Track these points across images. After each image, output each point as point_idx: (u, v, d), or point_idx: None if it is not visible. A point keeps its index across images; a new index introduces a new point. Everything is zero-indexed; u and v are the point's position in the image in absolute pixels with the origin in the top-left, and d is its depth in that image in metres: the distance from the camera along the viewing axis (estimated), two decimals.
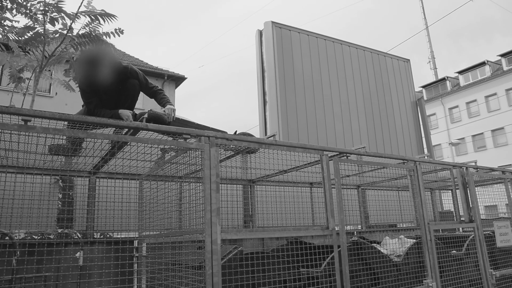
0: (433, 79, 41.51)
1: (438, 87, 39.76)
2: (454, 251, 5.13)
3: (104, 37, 5.45)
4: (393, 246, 5.09)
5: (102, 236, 4.32)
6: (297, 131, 9.75)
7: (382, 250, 4.61)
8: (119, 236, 4.40)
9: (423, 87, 40.35)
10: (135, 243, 4.36)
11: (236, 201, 5.33)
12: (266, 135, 9.78)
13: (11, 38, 5.41)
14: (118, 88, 4.18)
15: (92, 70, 4.04)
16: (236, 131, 4.24)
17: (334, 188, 3.77)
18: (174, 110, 4.01)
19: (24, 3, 4.92)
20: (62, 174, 4.31)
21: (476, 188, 5.44)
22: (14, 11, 5.07)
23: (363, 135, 11.27)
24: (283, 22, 11.13)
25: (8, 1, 4.83)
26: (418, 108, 13.27)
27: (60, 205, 4.32)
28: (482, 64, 35.63)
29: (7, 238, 3.64)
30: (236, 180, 5.48)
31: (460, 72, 37.46)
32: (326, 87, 10.86)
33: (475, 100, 35.42)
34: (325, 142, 10.10)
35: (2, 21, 5.15)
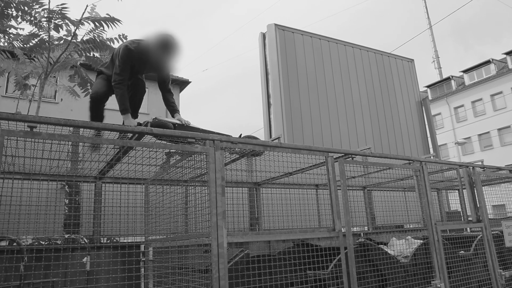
0: (438, 79, 41.35)
1: (443, 86, 39.58)
2: (462, 252, 5.09)
3: (108, 43, 5.49)
4: (400, 247, 5.07)
5: (108, 241, 4.34)
6: (302, 133, 9.74)
7: (389, 251, 4.59)
8: (125, 241, 4.41)
9: (428, 86, 40.19)
10: (142, 248, 4.37)
11: (242, 204, 5.33)
12: (271, 137, 9.78)
13: (16, 46, 5.47)
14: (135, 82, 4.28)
15: (158, 52, 3.98)
16: (241, 135, 4.25)
17: (340, 189, 3.76)
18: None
19: (29, 10, 4.97)
20: (68, 180, 4.33)
21: (483, 187, 5.40)
22: (19, 19, 5.12)
23: (368, 136, 11.23)
24: (287, 24, 11.14)
25: (13, 9, 4.87)
26: (423, 108, 13.22)
27: (66, 211, 4.34)
28: (487, 62, 35.43)
29: (14, 244, 3.66)
30: (242, 183, 5.48)
31: (465, 71, 37.26)
32: (330, 88, 10.84)
33: (480, 99, 35.21)
34: (330, 144, 10.07)
35: (8, 29, 5.20)
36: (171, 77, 4.65)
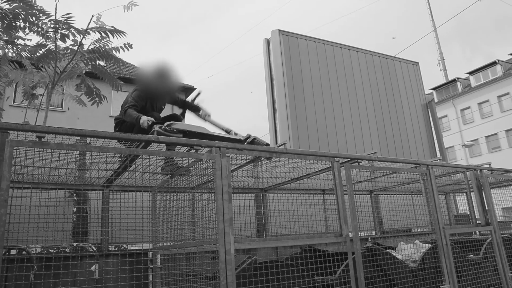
0: (444, 81, 41.20)
1: (449, 88, 39.41)
2: (472, 255, 5.05)
3: (113, 51, 5.55)
4: (408, 252, 5.04)
5: (116, 249, 4.36)
6: (307, 138, 9.74)
7: (397, 256, 4.56)
8: (133, 248, 4.43)
9: (434, 89, 40.03)
10: (150, 255, 4.38)
11: (249, 210, 5.33)
12: (276, 143, 9.78)
13: (23, 56, 5.54)
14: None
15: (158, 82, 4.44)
16: (249, 136, 4.35)
17: (346, 194, 3.75)
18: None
19: (36, 21, 5.03)
20: (76, 188, 4.37)
21: (491, 190, 5.36)
22: (26, 30, 5.19)
23: (374, 140, 11.21)
24: (292, 28, 11.21)
25: (21, 21, 4.94)
26: (429, 111, 13.17)
27: (75, 219, 4.37)
28: (494, 63, 35.25)
29: (24, 252, 3.69)
30: (248, 189, 5.48)
31: (470, 73, 37.08)
32: (336, 93, 10.85)
33: (487, 101, 34.99)
34: (336, 149, 10.06)
35: (16, 40, 5.27)
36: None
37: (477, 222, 5.33)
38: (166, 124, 3.78)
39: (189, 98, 4.96)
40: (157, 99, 4.43)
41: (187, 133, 3.80)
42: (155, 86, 4.39)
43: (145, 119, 3.83)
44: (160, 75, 4.44)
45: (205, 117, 4.73)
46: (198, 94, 4.91)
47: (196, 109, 4.77)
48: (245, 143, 4.24)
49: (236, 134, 4.50)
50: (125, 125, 4.21)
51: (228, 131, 4.60)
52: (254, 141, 4.34)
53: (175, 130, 3.83)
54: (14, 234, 3.61)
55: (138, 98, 4.23)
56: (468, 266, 4.77)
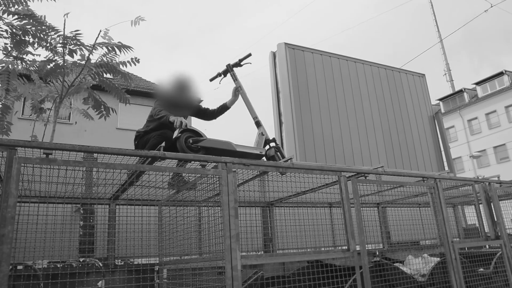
0: (450, 91, 41.08)
1: (455, 99, 39.27)
2: (482, 269, 4.97)
3: (121, 66, 5.61)
4: (417, 266, 4.97)
5: (123, 263, 4.35)
6: (314, 151, 9.71)
7: (405, 270, 4.50)
8: (140, 262, 4.42)
9: (440, 99, 39.90)
10: (156, 270, 4.36)
11: (256, 225, 5.30)
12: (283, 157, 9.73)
13: (31, 69, 5.61)
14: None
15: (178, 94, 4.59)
16: (274, 139, 4.69)
17: (353, 208, 3.72)
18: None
19: (45, 37, 5.11)
20: (82, 203, 4.38)
21: (501, 202, 5.30)
22: (35, 45, 5.27)
23: (381, 152, 11.15)
24: (300, 40, 11.24)
25: (30, 36, 5.02)
26: (436, 122, 13.09)
27: (81, 233, 4.37)
28: (500, 74, 35.13)
29: (29, 268, 3.69)
30: (255, 203, 5.46)
31: (477, 83, 36.96)
32: (342, 106, 10.84)
33: (494, 111, 34.79)
34: (342, 160, 10.02)
35: (25, 55, 5.34)
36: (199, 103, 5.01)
37: (487, 235, 5.25)
38: (192, 140, 3.87)
39: (238, 59, 4.98)
40: (177, 112, 4.47)
41: (211, 150, 3.89)
42: (175, 98, 4.50)
43: (178, 118, 3.91)
44: (179, 88, 4.58)
45: (235, 91, 4.85)
46: (249, 55, 4.94)
47: (217, 114, 4.86)
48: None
49: (263, 134, 4.69)
50: (142, 140, 4.24)
51: (257, 125, 4.76)
52: (274, 158, 4.44)
53: (199, 147, 3.91)
54: (21, 250, 3.61)
55: (162, 106, 4.33)
56: (478, 281, 4.69)
